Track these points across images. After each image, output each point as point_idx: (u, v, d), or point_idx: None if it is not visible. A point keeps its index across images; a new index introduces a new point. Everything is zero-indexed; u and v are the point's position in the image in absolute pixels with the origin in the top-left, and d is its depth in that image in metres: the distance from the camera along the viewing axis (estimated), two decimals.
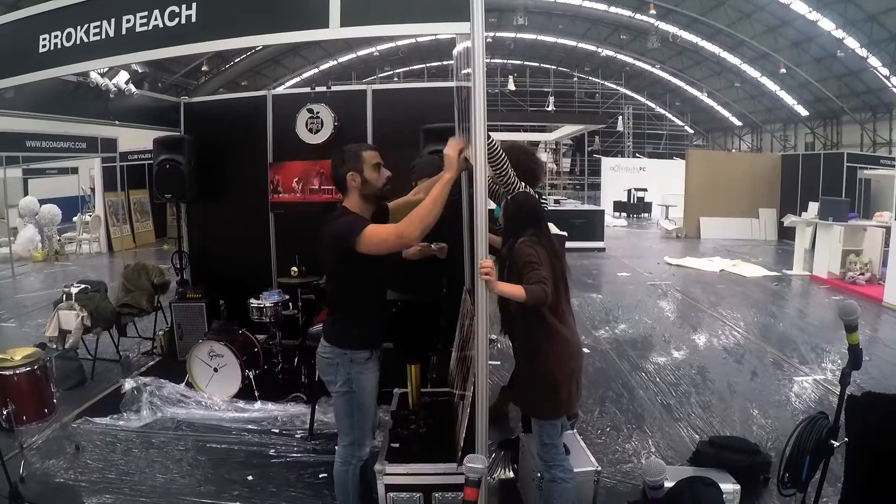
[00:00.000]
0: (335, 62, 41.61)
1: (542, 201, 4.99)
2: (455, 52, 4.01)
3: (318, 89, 7.61)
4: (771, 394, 6.96)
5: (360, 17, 3.27)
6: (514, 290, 3.59)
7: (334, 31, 3.19)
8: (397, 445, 4.32)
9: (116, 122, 7.49)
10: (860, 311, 3.16)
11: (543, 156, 34.00)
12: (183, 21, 3.51)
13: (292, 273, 6.74)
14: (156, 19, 3.58)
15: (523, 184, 4.66)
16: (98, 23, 3.75)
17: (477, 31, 3.12)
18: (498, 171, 4.43)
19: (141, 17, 3.62)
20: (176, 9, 3.53)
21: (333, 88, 7.74)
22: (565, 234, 5.51)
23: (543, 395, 3.86)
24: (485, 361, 3.45)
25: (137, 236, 19.17)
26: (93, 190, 18.62)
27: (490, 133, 3.51)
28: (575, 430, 4.96)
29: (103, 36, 3.74)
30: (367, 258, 3.58)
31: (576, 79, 46.48)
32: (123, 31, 3.68)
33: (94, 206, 18.44)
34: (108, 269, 14.98)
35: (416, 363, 4.85)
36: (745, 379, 7.46)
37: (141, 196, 19.46)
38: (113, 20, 3.70)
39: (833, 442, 3.13)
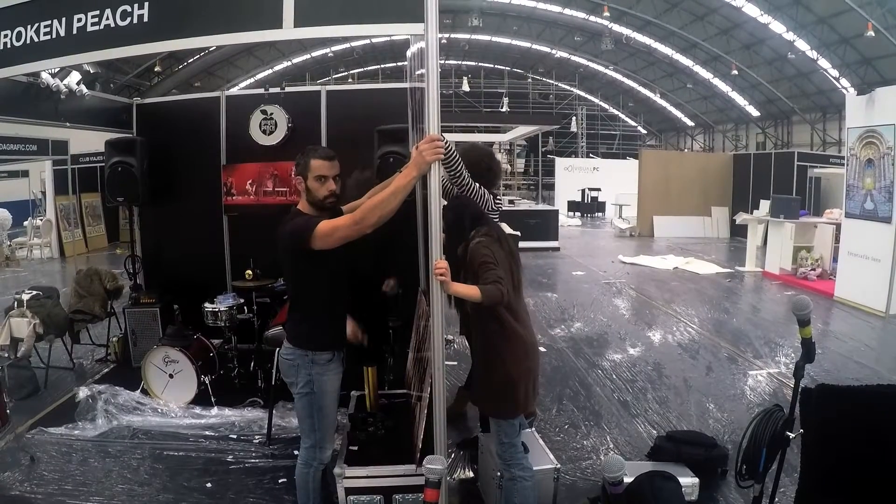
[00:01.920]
0: (289, 63, 41.31)
1: (498, 201, 4.99)
2: (409, 53, 3.99)
3: (271, 90, 7.55)
4: (726, 388, 7.06)
5: (313, 17, 3.24)
6: (470, 291, 3.59)
7: (288, 31, 3.16)
8: (356, 448, 4.31)
9: (67, 124, 7.35)
10: (812, 305, 3.21)
11: (498, 156, 34.09)
12: (135, 21, 3.44)
13: (247, 276, 6.69)
14: (107, 19, 3.51)
15: (478, 185, 4.66)
16: (48, 22, 3.67)
17: (431, 32, 3.11)
18: (452, 173, 4.43)
19: (92, 17, 3.55)
20: (128, 8, 3.46)
21: (287, 89, 7.68)
22: (518, 233, 5.55)
23: (501, 395, 3.87)
24: (441, 362, 3.44)
25: (90, 241, 18.71)
26: (44, 193, 18.18)
27: (444, 134, 3.50)
28: (534, 429, 4.98)
29: (54, 35, 3.66)
30: (324, 258, 3.58)
31: (530, 80, 46.76)
32: (74, 31, 3.61)
33: (45, 210, 18.00)
34: (61, 274, 14.68)
35: (372, 365, 4.85)
36: (700, 374, 7.56)
37: (93, 199, 19.00)
38: (64, 19, 3.63)
39: (789, 433, 3.17)
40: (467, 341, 5.01)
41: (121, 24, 3.45)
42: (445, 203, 4.13)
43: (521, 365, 3.89)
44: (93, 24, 3.52)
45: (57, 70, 6.41)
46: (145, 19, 3.41)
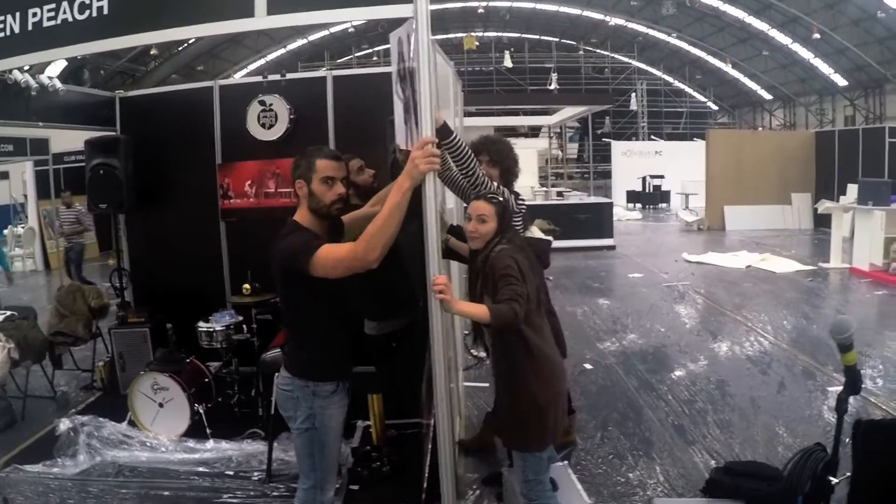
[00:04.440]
0: (305, 41, 41.57)
1: (521, 200, 5.02)
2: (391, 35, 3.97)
3: (270, 78, 7.62)
4: (800, 408, 6.97)
5: (288, 3, 3.28)
6: (476, 310, 3.60)
7: (260, 20, 3.20)
8: (357, 488, 4.34)
9: (40, 124, 7.44)
10: (855, 327, 3.15)
11: (545, 141, 34.14)
12: (94, 14, 3.51)
13: (244, 291, 6.74)
14: (64, 12, 3.58)
15: (495, 184, 4.69)
16: (1, 17, 3.76)
17: (421, 13, 3.13)
18: (464, 169, 4.47)
19: (48, 10, 3.63)
20: (86, 0, 3.54)
21: (289, 76, 7.75)
22: (550, 238, 5.53)
23: (528, 424, 3.87)
24: (444, 391, 3.43)
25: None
26: (25, 197, 18.45)
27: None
28: (566, 462, 4.98)
29: (8, 32, 3.75)
30: (324, 280, 3.52)
31: (581, 52, 46.53)
32: (30, 27, 3.69)
33: (26, 217, 18.25)
34: (46, 289, 14.89)
35: (378, 392, 4.87)
36: (770, 392, 7.49)
37: (80, 203, 19.04)
38: (18, 14, 3.71)
39: (831, 479, 3.11)
40: (487, 359, 5.02)
41: (79, 17, 3.52)
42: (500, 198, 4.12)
43: (550, 388, 3.89)
44: (49, 19, 3.60)
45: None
46: (105, 12, 3.47)
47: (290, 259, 3.50)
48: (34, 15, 3.65)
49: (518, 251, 3.89)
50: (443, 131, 4.14)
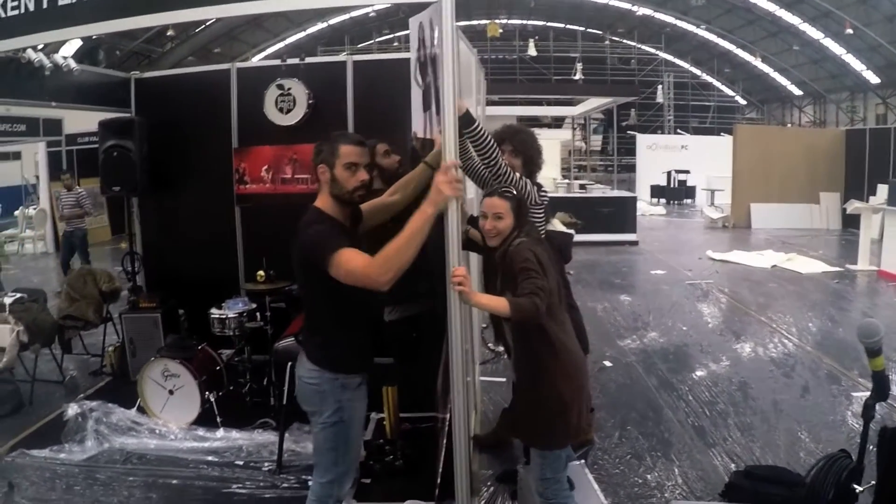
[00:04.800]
0: (325, 24, 41.52)
1: (543, 192, 4.99)
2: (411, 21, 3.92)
3: (289, 61, 7.61)
4: (824, 413, 6.93)
5: None
6: (496, 303, 3.57)
7: (280, 2, 3.23)
8: (369, 481, 4.33)
9: (53, 104, 7.46)
10: (884, 331, 3.10)
11: (568, 132, 34.03)
12: None
13: (258, 277, 6.72)
14: None
15: (518, 175, 4.66)
16: None
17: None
18: (487, 160, 4.45)
19: None
20: None
21: (308, 60, 7.74)
22: (572, 232, 5.50)
23: (551, 421, 3.84)
24: (461, 385, 3.42)
25: (90, 233, 18.57)
26: (38, 178, 18.50)
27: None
28: (583, 462, 4.96)
29: (23, 10, 3.75)
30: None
31: (608, 42, 46.31)
32: (45, 5, 3.69)
33: (38, 198, 18.29)
34: (56, 272, 14.93)
35: (393, 385, 4.86)
36: (793, 396, 7.44)
37: (94, 185, 19.05)
38: None
39: (855, 486, 3.08)
40: (506, 355, 4.99)
41: None
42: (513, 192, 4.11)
43: (574, 383, 3.86)
44: None
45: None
46: None
47: (311, 252, 3.46)
48: None
49: (537, 244, 3.86)
50: (465, 119, 4.11)
